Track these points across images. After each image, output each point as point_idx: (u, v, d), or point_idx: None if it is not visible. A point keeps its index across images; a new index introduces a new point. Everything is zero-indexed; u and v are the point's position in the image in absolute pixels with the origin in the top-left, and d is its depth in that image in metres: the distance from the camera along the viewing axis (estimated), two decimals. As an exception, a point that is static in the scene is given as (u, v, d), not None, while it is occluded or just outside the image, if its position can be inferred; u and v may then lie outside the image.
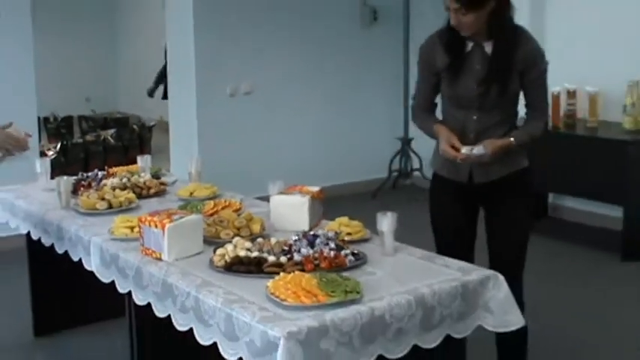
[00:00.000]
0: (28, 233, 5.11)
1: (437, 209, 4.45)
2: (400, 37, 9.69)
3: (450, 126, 4.24)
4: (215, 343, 3.25)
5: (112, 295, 4.10)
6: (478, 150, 4.03)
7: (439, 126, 4.28)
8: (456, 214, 4.36)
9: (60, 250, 4.64)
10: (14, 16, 7.56)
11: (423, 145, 9.48)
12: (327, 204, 4.49)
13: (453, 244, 4.30)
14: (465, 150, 4.06)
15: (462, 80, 4.18)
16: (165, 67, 10.52)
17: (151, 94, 10.61)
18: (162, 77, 10.64)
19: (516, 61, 4.07)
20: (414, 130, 9.53)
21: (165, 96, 10.75)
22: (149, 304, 3.75)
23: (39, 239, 4.92)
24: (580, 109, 7.81)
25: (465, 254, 4.14)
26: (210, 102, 8.82)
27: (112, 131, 11.81)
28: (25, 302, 5.73)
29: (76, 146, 11.19)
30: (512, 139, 4.10)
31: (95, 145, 11.35)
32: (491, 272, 3.58)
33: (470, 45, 4.16)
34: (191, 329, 3.42)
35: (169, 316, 3.58)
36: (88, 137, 11.76)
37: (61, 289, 5.60)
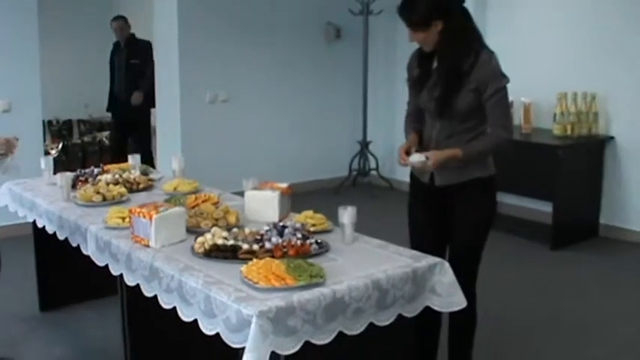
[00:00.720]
0: (34, 222, 5.09)
1: (410, 205, 4.35)
2: (360, 52, 9.67)
3: (425, 132, 4.18)
4: (196, 320, 3.24)
5: (107, 276, 4.08)
6: (418, 158, 3.93)
7: (410, 134, 4.24)
8: (424, 211, 4.25)
9: (61, 237, 4.61)
10: (23, 32, 7.64)
11: (380, 148, 9.60)
12: (294, 199, 4.48)
13: (421, 237, 4.23)
14: (410, 158, 3.98)
15: (424, 92, 4.09)
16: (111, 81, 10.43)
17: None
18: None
19: (471, 79, 3.91)
20: (371, 134, 9.63)
21: (108, 108, 10.64)
22: (138, 285, 3.73)
23: (43, 227, 4.90)
24: (516, 117, 7.87)
25: (434, 247, 3.98)
26: (192, 108, 8.82)
27: (106, 133, 11.71)
28: (31, 282, 5.76)
29: (75, 146, 11.14)
30: (460, 150, 3.94)
31: (92, 146, 11.30)
32: (438, 260, 3.57)
33: (436, 61, 4.06)
34: (175, 307, 3.41)
35: (156, 295, 3.57)
36: (86, 138, 11.69)
37: (63, 270, 5.59)
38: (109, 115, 11.20)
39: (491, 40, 4.30)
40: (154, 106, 9.52)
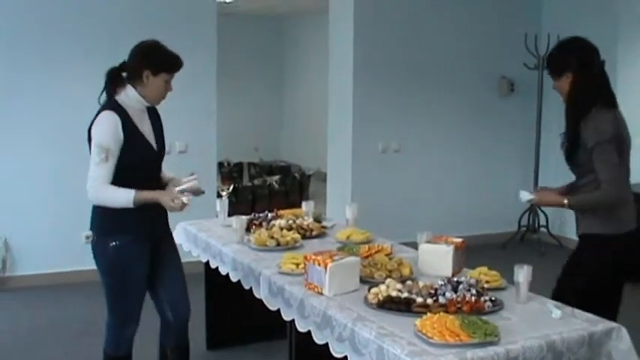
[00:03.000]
0: (207, 262, 5.23)
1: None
2: (534, 107, 9.58)
3: None
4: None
5: (274, 320, 4.18)
6: (527, 196, 4.38)
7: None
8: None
9: (234, 279, 4.73)
10: (203, 83, 8.13)
11: (551, 205, 9.37)
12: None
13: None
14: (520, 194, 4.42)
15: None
16: None
17: None
18: None
19: (582, 137, 4.10)
20: (542, 191, 9.44)
21: None
22: (309, 332, 3.78)
23: (216, 268, 5.04)
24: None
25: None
26: (363, 157, 8.93)
27: (276, 177, 11.96)
28: (200, 319, 5.83)
29: (245, 189, 11.40)
30: (565, 200, 4.20)
31: (261, 189, 11.53)
32: (615, 325, 3.49)
33: None
34: (345, 356, 3.44)
35: (326, 343, 3.60)
36: (256, 182, 11.97)
37: (231, 310, 5.71)
38: (280, 159, 11.41)
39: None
40: None
